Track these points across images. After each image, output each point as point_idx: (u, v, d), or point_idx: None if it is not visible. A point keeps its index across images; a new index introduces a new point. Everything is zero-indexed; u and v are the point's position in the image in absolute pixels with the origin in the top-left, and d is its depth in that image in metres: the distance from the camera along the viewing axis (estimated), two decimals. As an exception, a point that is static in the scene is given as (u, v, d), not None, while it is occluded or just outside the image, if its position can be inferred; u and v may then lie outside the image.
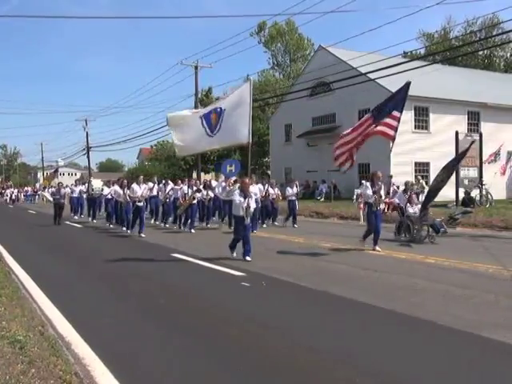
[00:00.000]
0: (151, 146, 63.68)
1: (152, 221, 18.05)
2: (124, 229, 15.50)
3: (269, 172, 37.07)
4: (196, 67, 31.48)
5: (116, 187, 16.60)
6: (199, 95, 34.88)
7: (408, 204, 12.50)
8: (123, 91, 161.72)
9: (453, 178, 21.15)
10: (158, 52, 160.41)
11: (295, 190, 16.81)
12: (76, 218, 22.18)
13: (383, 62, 19.51)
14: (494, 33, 42.24)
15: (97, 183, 21.40)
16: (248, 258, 9.41)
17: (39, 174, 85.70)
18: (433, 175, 27.84)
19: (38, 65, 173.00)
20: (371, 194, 10.42)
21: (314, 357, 4.28)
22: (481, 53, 49.89)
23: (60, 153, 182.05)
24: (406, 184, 13.60)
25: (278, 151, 37.27)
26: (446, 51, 38.62)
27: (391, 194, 16.18)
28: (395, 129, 9.77)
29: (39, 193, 46.64)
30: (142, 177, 15.53)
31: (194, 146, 10.39)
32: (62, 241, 14.18)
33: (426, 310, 5.63)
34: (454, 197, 21.05)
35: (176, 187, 16.77)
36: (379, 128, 9.88)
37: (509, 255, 9.65)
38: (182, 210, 15.26)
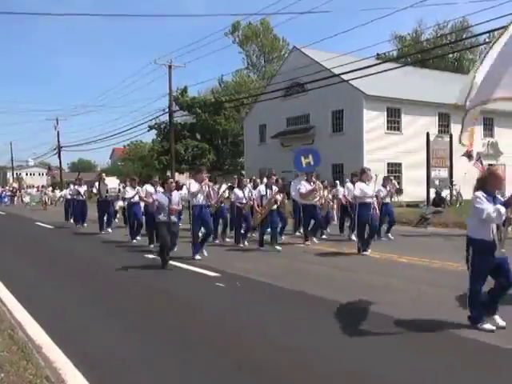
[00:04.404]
0: (124, 146, 62.94)
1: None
2: (152, 246, 11.56)
3: (243, 172, 37.00)
4: (170, 66, 31.27)
5: (149, 187, 12.46)
6: (174, 94, 34.63)
7: None
8: (96, 90, 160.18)
9: (424, 178, 21.69)
10: (132, 51, 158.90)
11: (389, 189, 12.63)
12: (81, 227, 17.19)
13: (356, 63, 19.72)
14: (464, 36, 43.19)
15: (112, 182, 16.41)
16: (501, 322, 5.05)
17: (9, 174, 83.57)
18: (405, 175, 28.42)
19: (8, 64, 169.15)
20: None
21: (289, 356, 4.28)
22: (451, 56, 50.91)
23: (30, 152, 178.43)
24: None
25: (253, 151, 37.26)
26: (418, 53, 39.23)
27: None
28: None
29: (20, 193, 43.31)
30: (204, 168, 11.37)
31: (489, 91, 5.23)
32: (35, 242, 13.86)
33: (400, 308, 5.69)
34: (425, 197, 21.40)
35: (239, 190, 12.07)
36: None
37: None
38: (260, 219, 11.07)
